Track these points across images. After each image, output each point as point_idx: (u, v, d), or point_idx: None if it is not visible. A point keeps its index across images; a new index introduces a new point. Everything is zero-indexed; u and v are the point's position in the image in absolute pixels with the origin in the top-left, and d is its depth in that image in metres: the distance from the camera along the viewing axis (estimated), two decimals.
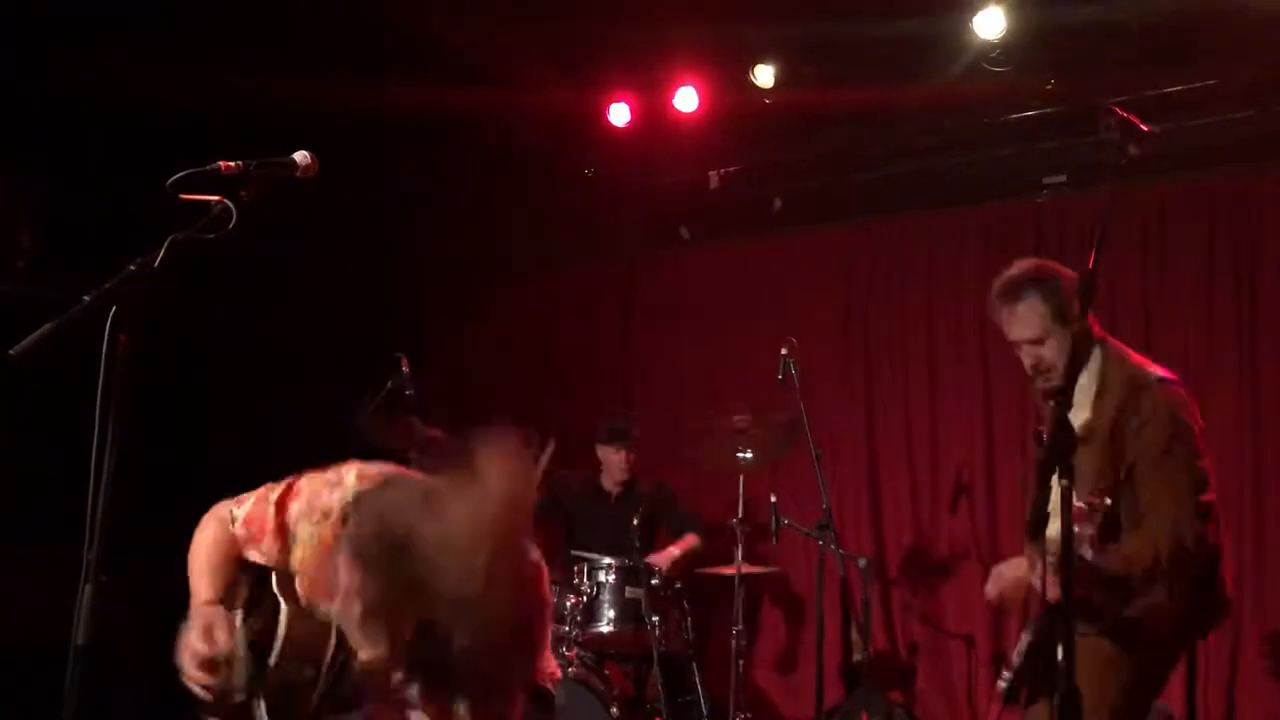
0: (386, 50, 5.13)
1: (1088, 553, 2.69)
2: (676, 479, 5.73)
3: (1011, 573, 3.09)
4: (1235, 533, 5.05)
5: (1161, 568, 2.81)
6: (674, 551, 5.19)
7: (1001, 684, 3.05)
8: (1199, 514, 2.87)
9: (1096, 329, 3.10)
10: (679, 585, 4.98)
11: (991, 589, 3.14)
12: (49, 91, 5.05)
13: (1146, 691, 3.01)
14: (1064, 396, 2.30)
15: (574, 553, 5.10)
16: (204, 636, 2.14)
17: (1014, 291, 3.05)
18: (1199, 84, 5.10)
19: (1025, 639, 2.99)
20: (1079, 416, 3.00)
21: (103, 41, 4.90)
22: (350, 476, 2.11)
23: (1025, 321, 3.03)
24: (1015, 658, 2.99)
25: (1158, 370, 3.06)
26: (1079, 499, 2.87)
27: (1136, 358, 3.10)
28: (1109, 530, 2.82)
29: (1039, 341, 3.03)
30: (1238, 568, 5.08)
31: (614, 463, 5.54)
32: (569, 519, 5.54)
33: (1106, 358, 3.04)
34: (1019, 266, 3.15)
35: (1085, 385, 3.00)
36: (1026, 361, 3.09)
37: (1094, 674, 2.78)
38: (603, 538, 5.15)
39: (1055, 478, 2.16)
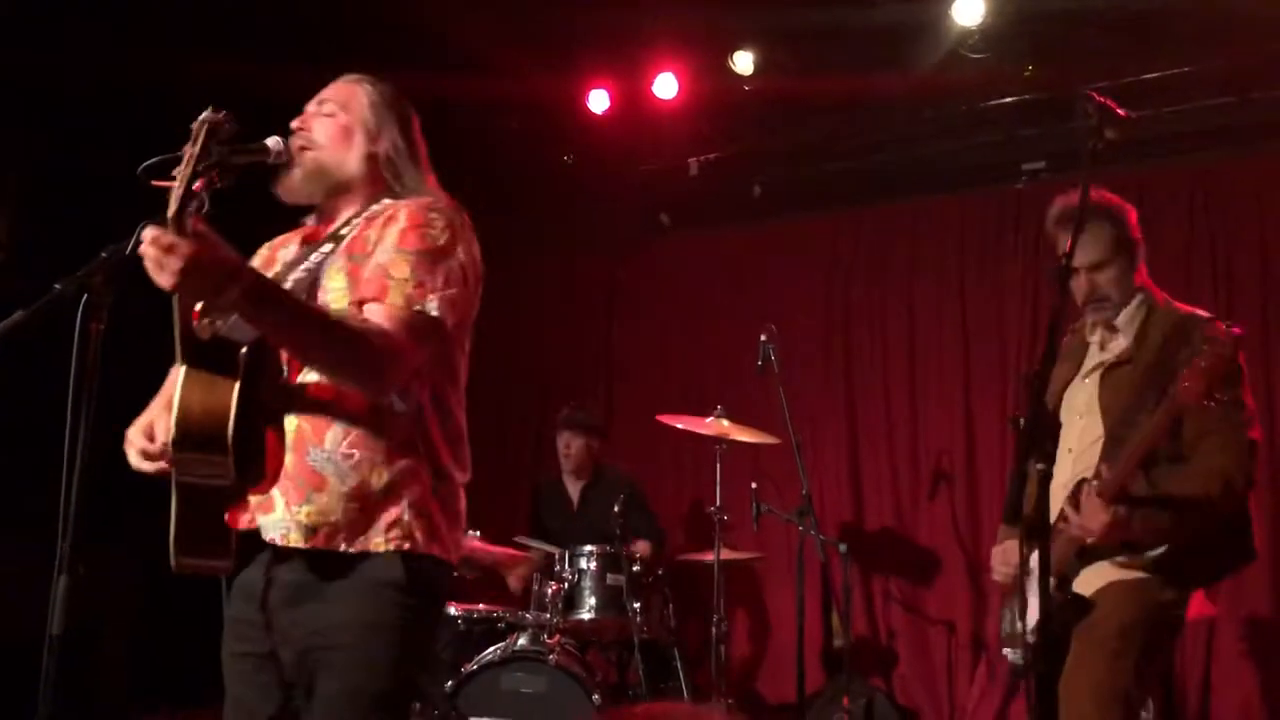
0: (360, 36, 5.09)
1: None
2: (655, 464, 5.69)
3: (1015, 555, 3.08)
4: None
5: (1232, 492, 2.79)
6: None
7: (1011, 656, 3.05)
8: (1250, 451, 2.85)
9: (1141, 277, 3.10)
10: (660, 572, 4.98)
11: (1005, 570, 3.11)
12: (22, 79, 5.00)
13: (1159, 651, 2.97)
14: (1040, 381, 2.30)
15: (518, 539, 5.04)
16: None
17: (1081, 216, 2.69)
18: (1176, 70, 5.12)
19: (1032, 611, 2.95)
20: (1117, 344, 3.04)
21: (79, 27, 4.86)
22: None
23: (1091, 247, 2.98)
24: (1029, 634, 2.93)
25: (1204, 311, 3.07)
26: (1105, 427, 2.91)
27: (1183, 305, 3.11)
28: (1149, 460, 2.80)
29: (1099, 267, 3.01)
30: None
31: (562, 449, 5.50)
32: (547, 533, 5.43)
33: (1151, 299, 3.06)
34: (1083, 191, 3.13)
35: (1126, 320, 3.04)
36: (1082, 288, 3.04)
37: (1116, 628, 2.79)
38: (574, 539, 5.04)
39: (1031, 462, 2.16)
